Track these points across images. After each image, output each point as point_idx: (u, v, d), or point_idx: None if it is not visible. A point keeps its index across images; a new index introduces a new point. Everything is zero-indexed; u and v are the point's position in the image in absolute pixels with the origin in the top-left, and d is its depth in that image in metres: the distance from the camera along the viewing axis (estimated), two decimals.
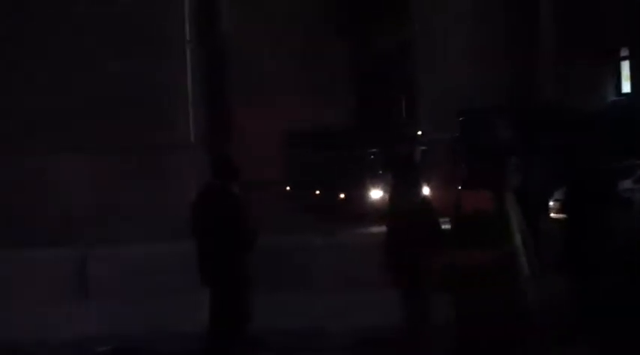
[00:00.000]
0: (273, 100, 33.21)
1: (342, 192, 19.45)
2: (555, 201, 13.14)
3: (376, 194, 19.41)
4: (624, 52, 30.21)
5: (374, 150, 17.46)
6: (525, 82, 24.87)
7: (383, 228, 7.87)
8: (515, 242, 5.07)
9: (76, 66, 12.15)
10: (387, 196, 8.45)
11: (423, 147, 20.53)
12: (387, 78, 37.80)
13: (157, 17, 12.51)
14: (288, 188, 23.07)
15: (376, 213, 12.77)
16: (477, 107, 20.61)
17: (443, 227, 7.77)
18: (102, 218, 10.52)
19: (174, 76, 12.62)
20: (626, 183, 15.57)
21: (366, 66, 38.15)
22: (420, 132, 25.39)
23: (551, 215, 12.54)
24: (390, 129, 24.41)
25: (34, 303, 8.35)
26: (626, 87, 30.26)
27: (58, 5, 12.28)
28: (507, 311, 4.96)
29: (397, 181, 8.02)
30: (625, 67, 30.27)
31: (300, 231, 9.85)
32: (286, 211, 20.02)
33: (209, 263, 7.39)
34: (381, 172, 19.00)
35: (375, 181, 18.84)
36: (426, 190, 18.10)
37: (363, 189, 19.81)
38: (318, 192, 21.36)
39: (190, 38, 13.15)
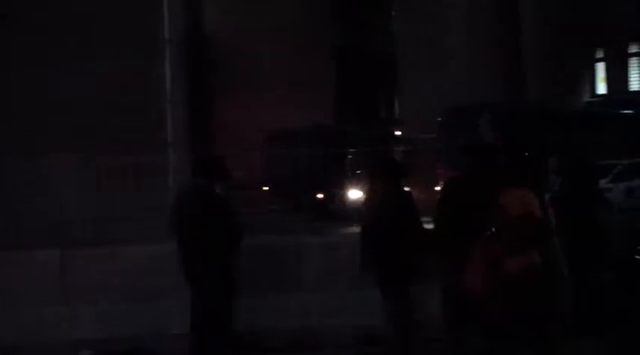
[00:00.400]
0: (255, 100, 33.16)
1: (323, 191, 19.46)
2: None
3: (356, 194, 19.46)
4: (599, 54, 30.48)
5: (355, 149, 17.49)
6: (507, 82, 24.98)
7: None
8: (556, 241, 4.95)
9: (54, 66, 12.05)
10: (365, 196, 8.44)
11: (404, 147, 20.56)
12: (369, 78, 37.84)
13: (136, 16, 12.43)
14: (266, 188, 23.05)
15: (356, 212, 12.76)
16: (459, 107, 20.68)
17: (425, 226, 7.80)
18: (83, 219, 10.41)
19: (153, 75, 12.53)
20: (603, 183, 15.70)
21: (348, 66, 38.15)
22: (400, 132, 25.45)
23: None
24: (372, 129, 24.45)
25: (17, 305, 8.28)
26: (601, 88, 30.53)
27: (35, 6, 12.17)
28: (556, 313, 4.83)
29: (373, 181, 8.01)
30: (600, 69, 30.55)
31: (283, 231, 9.84)
32: (267, 210, 19.99)
33: (193, 262, 7.36)
34: (359, 172, 19.03)
35: (356, 181, 18.86)
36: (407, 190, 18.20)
37: (344, 189, 19.83)
38: (298, 191, 21.37)
39: (170, 37, 13.06)
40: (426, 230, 7.72)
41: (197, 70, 23.35)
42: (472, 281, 4.91)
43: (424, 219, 7.80)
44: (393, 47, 31.67)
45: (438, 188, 11.98)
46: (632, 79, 29.59)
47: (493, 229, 4.91)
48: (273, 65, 34.33)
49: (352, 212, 15.88)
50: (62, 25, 12.00)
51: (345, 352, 7.82)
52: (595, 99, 30.16)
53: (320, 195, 19.77)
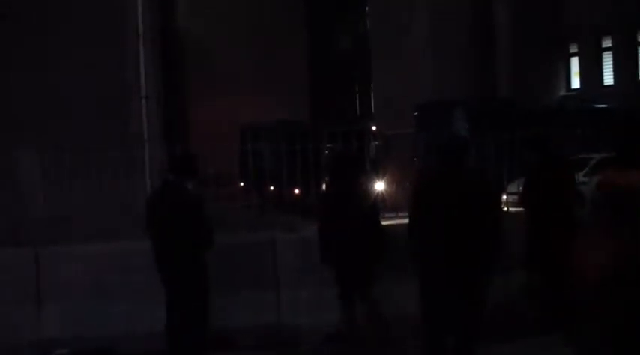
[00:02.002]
0: (229, 95, 33.06)
1: (298, 187, 19.40)
2: (509, 194, 13.24)
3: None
4: (573, 49, 30.64)
5: (329, 145, 17.47)
6: (481, 77, 25.08)
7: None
8: None
9: (25, 61, 11.91)
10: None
11: (378, 143, 20.56)
12: (344, 73, 37.84)
13: (108, 12, 12.31)
14: (242, 184, 22.94)
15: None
16: (434, 102, 20.72)
17: (382, 223, 7.80)
18: (54, 216, 10.30)
19: (126, 70, 12.43)
20: (578, 177, 15.78)
21: (322, 61, 38.13)
22: (374, 127, 25.44)
23: (505, 208, 12.61)
24: (345, 125, 24.40)
25: None
26: (575, 82, 30.70)
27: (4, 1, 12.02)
28: None
29: (331, 177, 7.99)
30: (574, 64, 30.72)
31: (258, 227, 9.78)
32: (242, 207, 19.89)
33: (166, 260, 7.32)
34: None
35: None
36: (380, 186, 18.16)
37: (318, 185, 19.78)
38: (272, 187, 21.31)
39: (143, 32, 12.95)
40: (383, 228, 7.72)
41: (171, 67, 23.23)
42: (596, 267, 4.75)
43: (400, 214, 7.77)
44: (367, 43, 31.69)
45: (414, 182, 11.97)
46: (605, 74, 29.77)
47: (609, 211, 4.76)
48: (247, 62, 34.25)
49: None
50: (34, 19, 11.88)
51: (319, 349, 7.79)
52: (569, 93, 30.33)
53: (296, 191, 19.71)
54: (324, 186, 8.79)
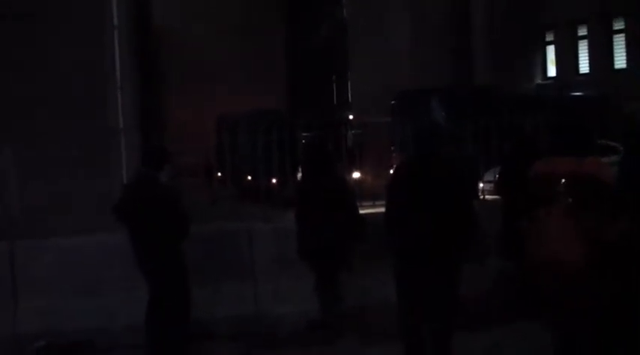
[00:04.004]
0: (206, 85, 32.95)
1: (274, 177, 19.38)
2: (486, 182, 13.30)
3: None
4: (549, 37, 30.75)
5: (307, 134, 17.44)
6: (458, 65, 25.13)
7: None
8: None
9: (2, 52, 11.80)
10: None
11: (356, 131, 20.54)
12: (321, 62, 37.79)
13: (84, 2, 12.22)
14: (219, 174, 22.88)
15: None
16: (411, 90, 20.74)
17: (360, 211, 7.81)
18: (29, 209, 10.23)
19: (102, 61, 12.34)
20: None
21: (299, 50, 38.06)
22: (351, 116, 25.45)
23: (481, 196, 12.67)
24: (323, 114, 24.41)
25: None
26: (551, 71, 30.83)
27: None
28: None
29: (306, 166, 8.00)
30: (550, 52, 30.84)
31: (235, 217, 9.78)
32: (219, 197, 19.88)
33: (144, 253, 7.31)
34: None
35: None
36: (357, 175, 18.16)
37: (295, 174, 19.77)
38: (250, 177, 21.27)
39: (119, 23, 12.87)
40: (361, 217, 7.74)
41: (148, 58, 23.10)
42: (565, 253, 4.82)
43: (377, 202, 7.78)
44: (344, 32, 31.65)
45: (391, 171, 11.97)
46: (581, 62, 29.91)
47: (571, 199, 4.84)
48: (224, 52, 34.14)
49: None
50: (8, 9, 11.77)
51: (298, 338, 7.81)
52: (546, 81, 30.46)
53: (273, 181, 19.68)
54: (299, 176, 8.79)
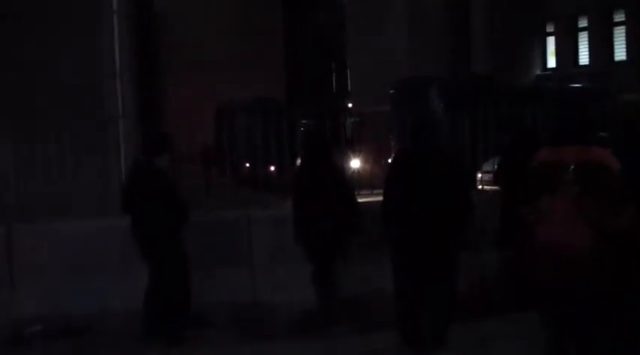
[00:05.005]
0: (205, 74, 32.88)
1: (273, 165, 19.35)
2: (485, 172, 13.29)
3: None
4: (550, 28, 30.71)
5: (305, 122, 17.44)
6: (457, 55, 25.07)
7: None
8: None
9: None
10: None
11: (354, 120, 20.52)
12: (320, 51, 37.73)
13: None
14: (218, 161, 22.84)
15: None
16: (410, 79, 20.70)
17: (357, 200, 7.81)
18: (28, 195, 10.21)
19: (100, 47, 12.30)
20: None
21: (298, 39, 37.98)
22: (350, 105, 25.42)
23: (480, 187, 12.67)
24: (321, 102, 24.38)
25: None
26: (551, 62, 30.80)
27: None
28: None
29: (304, 155, 8.00)
30: (550, 43, 30.80)
31: (234, 205, 9.78)
32: (218, 185, 19.85)
33: (144, 239, 7.32)
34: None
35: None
36: (355, 163, 18.13)
37: (294, 162, 19.72)
38: (248, 165, 21.24)
39: (117, 9, 12.82)
40: (358, 205, 7.74)
41: (147, 45, 23.05)
42: (571, 241, 4.84)
43: (375, 191, 7.77)
44: (344, 20, 31.59)
45: (389, 160, 11.96)
46: (581, 54, 29.87)
47: (578, 187, 4.87)
48: (224, 40, 34.06)
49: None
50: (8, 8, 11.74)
51: (294, 326, 7.82)
52: (545, 73, 30.43)
53: (271, 169, 19.66)
54: (298, 164, 8.78)
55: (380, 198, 7.02)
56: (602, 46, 28.47)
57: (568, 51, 29.84)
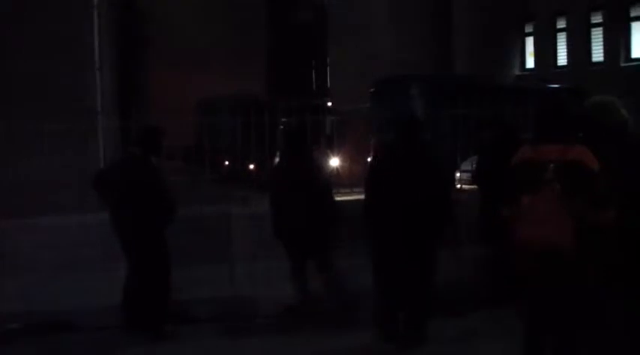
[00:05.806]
0: (186, 68, 32.78)
1: (252, 161, 19.37)
2: (463, 172, 13.34)
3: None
4: (528, 29, 30.87)
5: (284, 119, 17.45)
6: (438, 54, 25.11)
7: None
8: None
9: None
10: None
11: (334, 118, 20.54)
12: (301, 47, 37.71)
13: None
14: (198, 157, 22.78)
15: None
16: (390, 77, 20.73)
17: (334, 198, 7.85)
18: (8, 188, 10.17)
19: (81, 40, 12.26)
20: None
21: (279, 34, 37.93)
22: (330, 103, 25.42)
23: (458, 186, 12.74)
24: (302, 99, 24.35)
25: None
26: (530, 62, 30.96)
27: None
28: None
29: (282, 151, 8.03)
30: (529, 43, 30.97)
31: (213, 200, 9.78)
32: (197, 180, 19.78)
33: (129, 233, 7.30)
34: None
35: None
36: (335, 161, 18.15)
37: (273, 158, 19.73)
38: (228, 161, 21.22)
39: (98, 2, 12.79)
40: (335, 203, 7.78)
41: (127, 40, 22.95)
42: (554, 237, 4.93)
43: (355, 189, 7.80)
44: (325, 16, 31.57)
45: (369, 159, 11.99)
46: (559, 54, 30.05)
47: (559, 184, 4.96)
48: (205, 35, 33.96)
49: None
50: None
51: (274, 321, 7.85)
52: (524, 73, 30.58)
53: (251, 166, 19.66)
54: (276, 161, 8.80)
55: (360, 197, 7.06)
56: (579, 46, 28.67)
57: (546, 51, 30.02)
